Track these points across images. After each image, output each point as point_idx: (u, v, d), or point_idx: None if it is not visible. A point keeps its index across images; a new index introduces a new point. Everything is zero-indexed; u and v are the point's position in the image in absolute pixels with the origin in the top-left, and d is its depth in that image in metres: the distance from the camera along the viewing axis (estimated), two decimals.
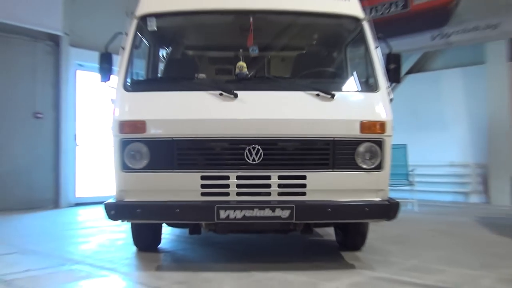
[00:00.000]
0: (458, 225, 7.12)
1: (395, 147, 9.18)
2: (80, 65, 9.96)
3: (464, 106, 10.97)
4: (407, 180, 9.10)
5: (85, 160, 9.97)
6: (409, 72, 12.01)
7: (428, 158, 10.95)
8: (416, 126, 11.08)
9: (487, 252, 4.98)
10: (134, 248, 4.90)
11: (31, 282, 3.70)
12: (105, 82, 4.54)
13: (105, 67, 4.52)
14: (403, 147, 9.40)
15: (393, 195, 8.27)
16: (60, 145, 9.52)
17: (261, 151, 3.93)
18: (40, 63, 9.30)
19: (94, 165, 9.97)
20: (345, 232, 4.94)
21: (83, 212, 8.76)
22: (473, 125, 10.61)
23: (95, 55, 10.05)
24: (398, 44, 10.84)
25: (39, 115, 9.24)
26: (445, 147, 11.05)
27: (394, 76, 4.55)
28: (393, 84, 4.50)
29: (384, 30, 11.75)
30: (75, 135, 9.78)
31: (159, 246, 5.04)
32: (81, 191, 9.95)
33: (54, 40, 9.48)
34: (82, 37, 9.77)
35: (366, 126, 4.01)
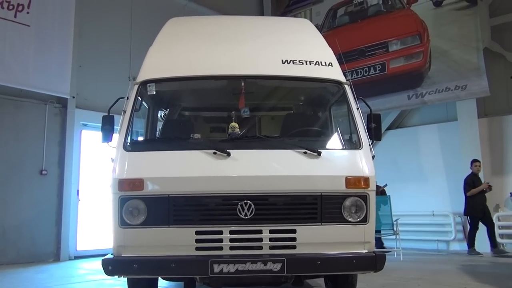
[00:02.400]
0: (442, 273, 6.98)
1: (379, 198, 9.23)
2: (84, 124, 9.97)
3: (442, 159, 11.02)
4: (392, 229, 8.97)
5: (86, 215, 9.78)
6: (389, 128, 12.14)
7: (410, 208, 10.87)
8: (397, 177, 11.04)
9: None
10: None
11: None
12: (107, 142, 4.47)
13: (107, 129, 4.50)
14: (387, 198, 9.32)
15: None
16: (63, 200, 9.36)
17: (252, 206, 3.85)
18: (48, 123, 9.31)
19: (95, 219, 9.77)
20: (334, 283, 4.77)
21: (83, 265, 8.50)
22: (451, 176, 10.61)
23: (98, 115, 10.16)
24: (379, 103, 11.08)
25: (44, 172, 9.12)
26: (426, 197, 11.02)
27: (375, 134, 4.56)
28: (374, 142, 4.49)
29: (365, 90, 12.07)
30: (77, 191, 9.65)
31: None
32: (82, 244, 9.71)
33: (62, 102, 9.54)
34: (87, 99, 9.86)
35: (351, 181, 3.95)
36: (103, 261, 3.83)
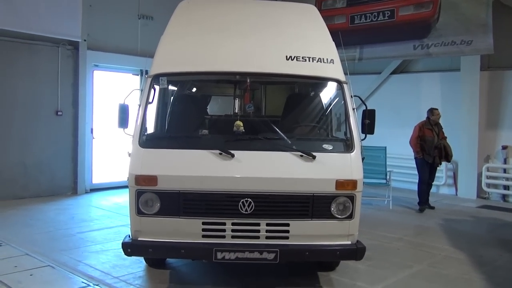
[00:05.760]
0: (424, 232, 7.67)
1: (376, 148, 9.75)
2: (96, 65, 10.26)
3: (440, 107, 11.26)
4: (385, 179, 9.56)
5: (100, 151, 10.45)
6: (393, 72, 12.32)
7: (406, 152, 11.35)
8: (396, 123, 11.45)
9: (440, 275, 5.52)
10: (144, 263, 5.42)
11: None
12: (123, 128, 4.91)
13: (123, 116, 4.90)
14: (383, 149, 9.80)
15: (371, 191, 8.73)
16: (78, 138, 9.96)
17: (252, 203, 4.38)
18: (61, 66, 9.63)
19: (109, 155, 10.45)
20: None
21: (99, 200, 9.37)
22: (448, 124, 10.94)
23: (109, 56, 10.46)
24: (384, 51, 11.23)
25: (59, 113, 9.61)
26: None
27: (368, 129, 4.97)
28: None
29: (372, 36, 12.00)
30: (91, 129, 10.21)
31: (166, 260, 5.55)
32: (97, 178, 10.47)
33: (74, 44, 9.76)
34: (98, 40, 10.04)
35: (341, 184, 4.45)
36: (123, 244, 4.46)
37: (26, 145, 9.24)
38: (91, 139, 10.25)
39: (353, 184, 4.47)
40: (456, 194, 11.15)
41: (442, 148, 9.04)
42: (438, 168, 9.67)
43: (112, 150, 10.39)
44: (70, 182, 9.98)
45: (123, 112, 4.92)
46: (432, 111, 9.32)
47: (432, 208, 9.37)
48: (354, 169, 4.53)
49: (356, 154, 4.62)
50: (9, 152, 9.06)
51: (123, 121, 4.91)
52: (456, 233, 7.54)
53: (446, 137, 9.31)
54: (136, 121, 4.73)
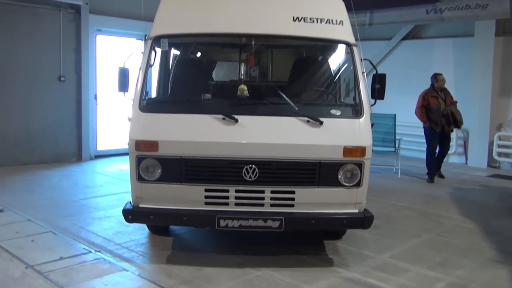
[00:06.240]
0: (432, 200, 7.53)
1: (385, 116, 9.53)
2: (99, 29, 10.01)
3: (453, 74, 11.00)
4: (394, 147, 9.38)
5: (104, 117, 10.31)
6: (404, 38, 11.97)
7: (416, 119, 11.13)
8: (407, 89, 11.15)
9: (449, 244, 5.39)
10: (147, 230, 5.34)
11: (65, 276, 4.15)
12: (123, 92, 4.74)
13: (123, 80, 4.71)
14: (392, 116, 9.60)
15: (379, 160, 8.57)
16: (81, 104, 9.81)
17: (257, 170, 4.23)
18: (63, 30, 9.39)
19: (113, 121, 10.31)
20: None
21: (104, 166, 9.32)
22: (459, 92, 10.67)
23: (112, 20, 10.16)
24: (395, 15, 10.82)
25: (62, 79, 9.44)
26: None
27: (378, 95, 4.77)
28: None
29: (383, 0, 11.46)
30: (95, 95, 10.05)
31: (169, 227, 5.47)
32: (102, 144, 10.37)
33: (75, 8, 9.49)
34: (100, 4, 9.77)
35: (349, 151, 4.28)
36: (123, 211, 4.35)
37: (29, 111, 9.11)
38: (95, 105, 10.10)
39: (361, 151, 4.30)
40: (466, 163, 10.97)
41: (450, 115, 8.58)
42: (451, 136, 9.35)
43: (116, 116, 10.21)
44: (75, 148, 9.88)
45: (123, 75, 4.72)
46: (436, 77, 8.85)
47: (442, 177, 9.17)
48: (363, 136, 4.34)
49: (365, 119, 4.43)
50: (12, 118, 8.93)
51: (123, 85, 4.73)
52: (465, 202, 7.38)
53: (456, 102, 8.88)
54: (136, 84, 4.55)
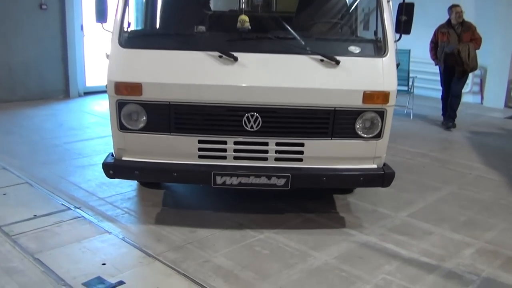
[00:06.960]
0: (450, 147, 6.90)
1: (399, 51, 8.67)
2: None
3: (474, 4, 10.05)
4: (407, 86, 8.64)
5: (93, 50, 9.44)
6: None
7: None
8: (423, 22, 10.15)
9: (473, 199, 4.83)
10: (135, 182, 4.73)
11: (37, 240, 3.59)
12: (101, 23, 3.98)
13: (100, 8, 3.94)
14: (407, 52, 8.77)
15: None
16: (67, 35, 8.93)
17: (259, 118, 3.57)
18: None
19: (103, 54, 9.44)
20: None
21: (92, 104, 8.66)
22: (480, 25, 9.77)
23: None
24: None
25: (44, 6, 8.51)
26: None
27: (405, 28, 4.03)
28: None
29: None
30: (81, 25, 9.15)
31: None
32: (91, 80, 9.60)
33: None
34: None
35: (369, 96, 3.59)
36: (103, 164, 3.72)
37: (8, 43, 8.25)
38: (82, 37, 9.22)
39: (384, 96, 3.60)
40: (481, 103, 10.27)
41: (457, 54, 7.44)
42: (466, 80, 8.13)
43: (106, 49, 9.37)
44: (62, 85, 9.11)
45: (101, 2, 3.94)
46: (451, 9, 7.71)
47: (448, 128, 7.88)
48: (387, 78, 3.64)
49: (389, 59, 3.70)
50: None
51: (101, 14, 3.96)
52: (486, 148, 6.77)
53: (476, 39, 7.61)
54: (116, 13, 3.77)
